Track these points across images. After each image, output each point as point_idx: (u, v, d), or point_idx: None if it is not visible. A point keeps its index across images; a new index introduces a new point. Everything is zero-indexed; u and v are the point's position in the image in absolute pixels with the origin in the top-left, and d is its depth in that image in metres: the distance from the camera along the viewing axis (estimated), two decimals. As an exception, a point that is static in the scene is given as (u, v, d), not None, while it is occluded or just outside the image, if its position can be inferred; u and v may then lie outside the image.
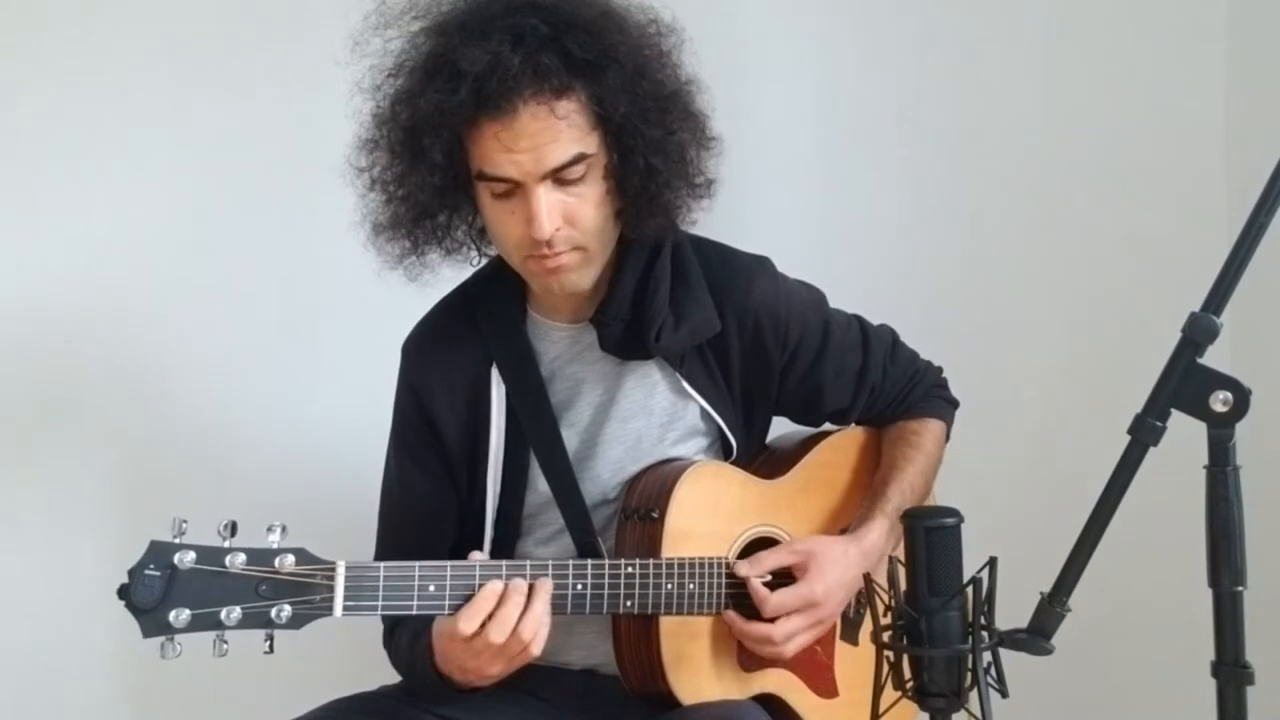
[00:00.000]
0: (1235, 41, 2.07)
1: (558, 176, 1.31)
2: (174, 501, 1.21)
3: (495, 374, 1.46)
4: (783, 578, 1.42)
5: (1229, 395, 1.06)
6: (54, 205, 1.98)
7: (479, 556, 1.31)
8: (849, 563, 1.41)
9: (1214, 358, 1.08)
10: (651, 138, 1.34)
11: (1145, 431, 1.08)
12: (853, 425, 1.63)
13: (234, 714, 1.99)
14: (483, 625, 1.25)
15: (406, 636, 1.42)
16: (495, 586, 1.26)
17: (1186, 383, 1.07)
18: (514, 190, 1.32)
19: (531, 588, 1.27)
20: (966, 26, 2.14)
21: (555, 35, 1.29)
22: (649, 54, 1.35)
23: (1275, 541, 1.51)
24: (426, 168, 1.32)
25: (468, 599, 1.26)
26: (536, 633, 1.27)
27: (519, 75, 1.26)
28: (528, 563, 1.31)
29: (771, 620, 1.38)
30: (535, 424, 1.46)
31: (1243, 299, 1.08)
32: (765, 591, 1.37)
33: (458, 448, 1.47)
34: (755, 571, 1.39)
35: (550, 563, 1.32)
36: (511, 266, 1.42)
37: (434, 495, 1.49)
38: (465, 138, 1.31)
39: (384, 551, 1.51)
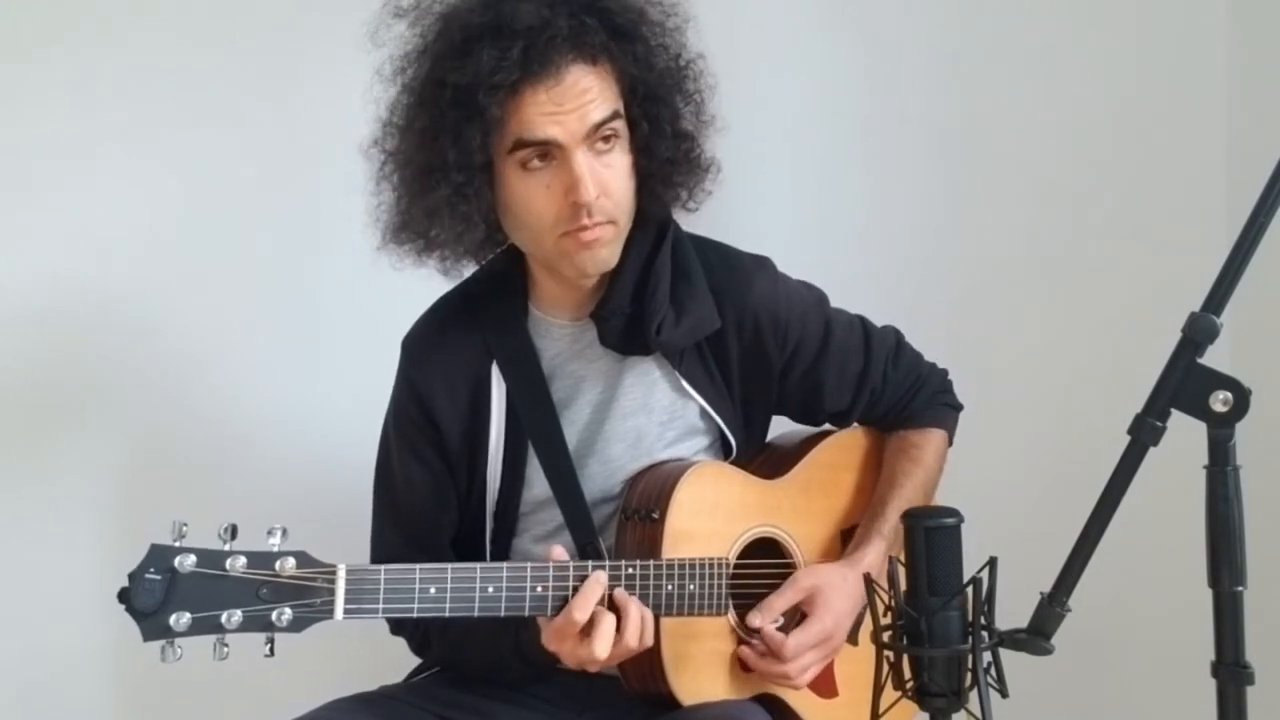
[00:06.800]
0: (1235, 41, 2.06)
1: (596, 137, 1.33)
2: (174, 505, 1.21)
3: (496, 371, 1.46)
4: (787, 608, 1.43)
5: (1229, 395, 1.06)
6: (55, 206, 1.97)
7: (560, 553, 1.32)
8: (850, 589, 1.43)
9: (1214, 358, 1.08)
10: (675, 106, 1.39)
11: (1145, 431, 1.09)
12: (854, 425, 1.63)
13: (234, 714, 1.98)
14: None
15: (484, 636, 1.42)
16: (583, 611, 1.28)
17: (1186, 383, 1.08)
18: (550, 160, 1.33)
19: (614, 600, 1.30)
20: (968, 26, 2.14)
21: (593, 0, 1.33)
22: (667, 25, 1.40)
23: (1275, 541, 1.51)
24: (480, 127, 1.30)
25: (469, 599, 1.26)
26: (642, 634, 1.31)
27: (566, 35, 1.30)
28: (528, 564, 1.30)
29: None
30: (536, 421, 1.46)
31: (1243, 299, 1.09)
32: (781, 637, 1.39)
33: (458, 444, 1.47)
34: (768, 620, 1.41)
35: (551, 564, 1.31)
36: (532, 254, 1.43)
37: (436, 489, 1.49)
38: (501, 109, 1.31)
39: (383, 544, 1.51)
